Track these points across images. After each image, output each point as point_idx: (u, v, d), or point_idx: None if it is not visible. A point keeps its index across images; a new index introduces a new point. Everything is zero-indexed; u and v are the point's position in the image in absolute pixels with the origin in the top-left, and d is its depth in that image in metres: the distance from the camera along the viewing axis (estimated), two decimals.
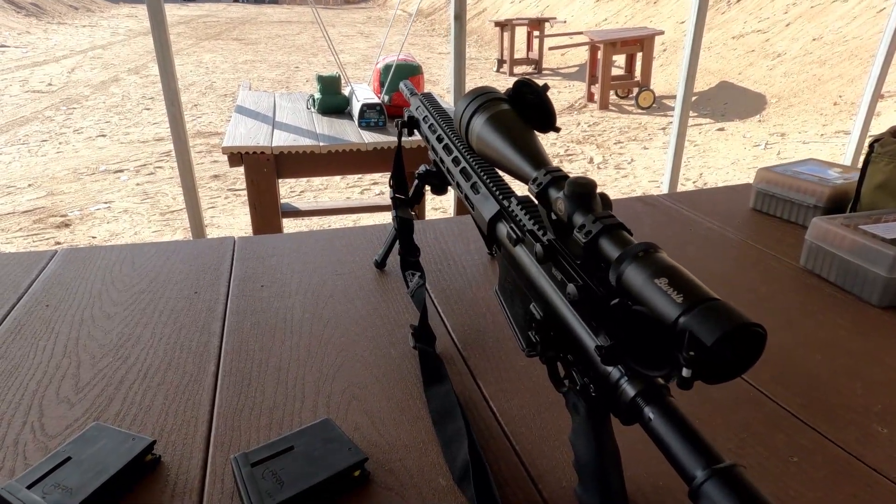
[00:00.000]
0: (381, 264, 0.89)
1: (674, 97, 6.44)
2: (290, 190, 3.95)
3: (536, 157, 0.47)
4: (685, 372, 0.28)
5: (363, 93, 1.85)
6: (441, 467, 0.50)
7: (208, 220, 3.48)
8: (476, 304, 0.79)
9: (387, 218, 3.24)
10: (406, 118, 0.78)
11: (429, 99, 0.80)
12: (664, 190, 3.02)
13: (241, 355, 0.66)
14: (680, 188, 3.77)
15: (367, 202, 2.86)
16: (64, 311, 0.75)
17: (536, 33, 8.37)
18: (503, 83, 7.97)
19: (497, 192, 0.56)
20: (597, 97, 6.28)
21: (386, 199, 2.83)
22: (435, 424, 0.55)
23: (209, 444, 0.53)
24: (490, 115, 0.52)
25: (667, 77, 6.90)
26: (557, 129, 0.53)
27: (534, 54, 8.53)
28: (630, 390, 0.35)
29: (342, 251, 0.94)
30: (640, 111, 6.03)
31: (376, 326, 0.73)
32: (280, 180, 2.14)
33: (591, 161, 4.57)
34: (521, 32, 8.67)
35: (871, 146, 0.89)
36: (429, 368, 0.63)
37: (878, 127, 4.51)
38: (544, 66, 8.62)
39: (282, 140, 1.60)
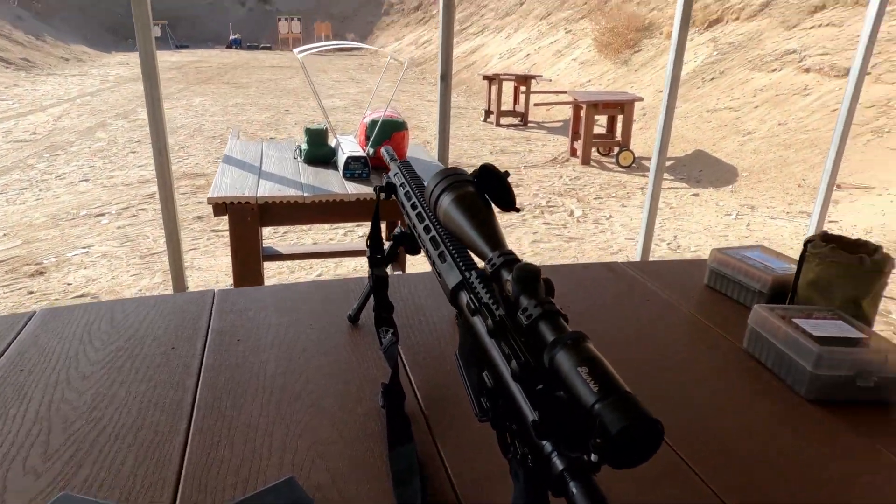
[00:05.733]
0: (354, 318, 0.92)
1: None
2: (274, 230, 3.98)
3: (493, 239, 0.53)
4: (593, 457, 0.32)
5: (349, 145, 1.93)
6: None
7: (189, 261, 3.47)
8: (443, 361, 0.82)
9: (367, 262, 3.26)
10: (385, 183, 0.83)
11: (406, 167, 0.85)
12: (639, 249, 3.13)
13: (213, 412, 0.69)
14: (654, 248, 3.90)
15: (348, 246, 2.91)
16: (38, 374, 0.75)
17: (523, 88, 8.72)
18: (489, 132, 8.22)
19: (461, 263, 0.59)
20: (579, 153, 6.51)
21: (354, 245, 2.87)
22: (394, 487, 0.58)
23: None
24: (456, 196, 0.58)
25: (646, 140, 7.19)
26: (518, 210, 0.59)
27: (520, 107, 8.85)
28: (559, 464, 0.38)
29: (318, 304, 0.97)
30: (620, 169, 6.25)
31: (346, 382, 0.76)
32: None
33: (571, 214, 4.69)
34: (508, 86, 9.01)
35: (805, 245, 0.96)
36: (395, 429, 0.65)
37: (837, 213, 4.76)
38: (530, 119, 8.92)
39: (267, 190, 1.65)
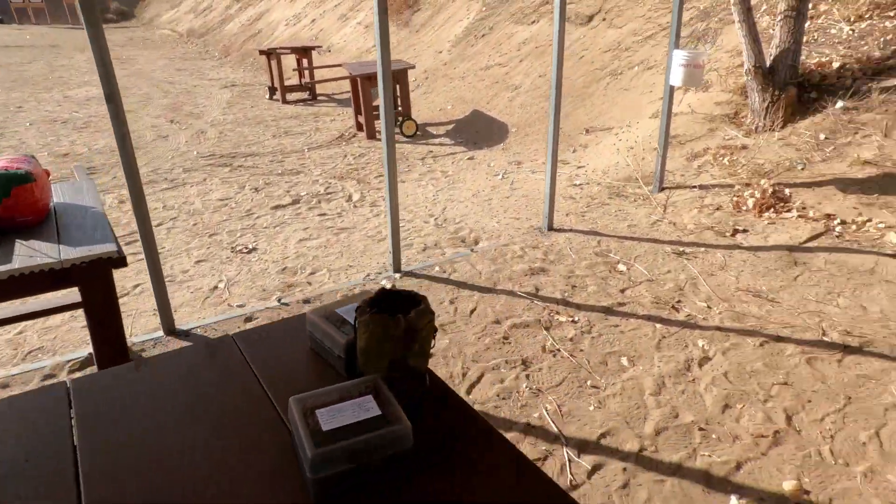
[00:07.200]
0: None
1: (438, 124, 6.81)
2: None
3: None
4: None
5: None
6: None
7: None
8: None
9: (69, 317, 2.73)
10: None
11: None
12: (389, 253, 3.10)
13: None
14: (422, 226, 3.95)
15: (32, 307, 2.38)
16: None
17: (306, 61, 8.27)
18: (275, 112, 7.68)
19: None
20: (365, 127, 6.38)
21: (65, 298, 2.38)
22: None
23: None
24: None
25: (430, 105, 7.28)
26: None
27: (308, 81, 8.40)
28: None
29: None
30: (405, 140, 6.26)
31: None
32: None
33: (349, 199, 4.58)
34: (291, 59, 8.49)
35: (355, 312, 0.93)
36: None
37: (586, 157, 5.26)
38: (319, 92, 8.54)
39: None
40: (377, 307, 0.95)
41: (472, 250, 3.46)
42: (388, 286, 3.03)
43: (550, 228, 3.70)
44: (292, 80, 8.75)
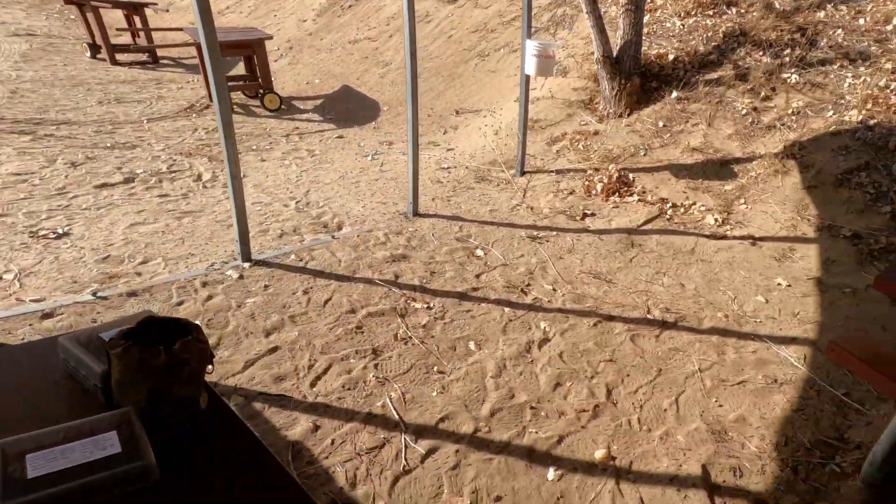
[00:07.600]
0: None
1: (305, 98, 6.46)
2: None
3: None
4: None
5: None
6: None
7: None
8: None
9: None
10: None
11: None
12: (237, 242, 2.87)
13: None
14: (282, 210, 3.74)
15: None
16: None
17: (138, 19, 7.27)
18: (101, 74, 6.72)
19: None
20: None
21: None
22: None
23: None
24: None
25: (296, 77, 6.89)
26: None
27: (144, 41, 7.41)
28: None
29: None
30: (268, 114, 5.88)
31: None
32: None
33: (198, 178, 4.20)
34: (117, 13, 7.38)
35: (107, 344, 0.82)
36: None
37: (457, 140, 5.27)
38: (163, 54, 7.64)
39: None
40: (137, 337, 0.84)
41: (333, 237, 3.33)
42: (236, 276, 2.84)
43: (416, 214, 3.66)
44: (124, 38, 7.70)
